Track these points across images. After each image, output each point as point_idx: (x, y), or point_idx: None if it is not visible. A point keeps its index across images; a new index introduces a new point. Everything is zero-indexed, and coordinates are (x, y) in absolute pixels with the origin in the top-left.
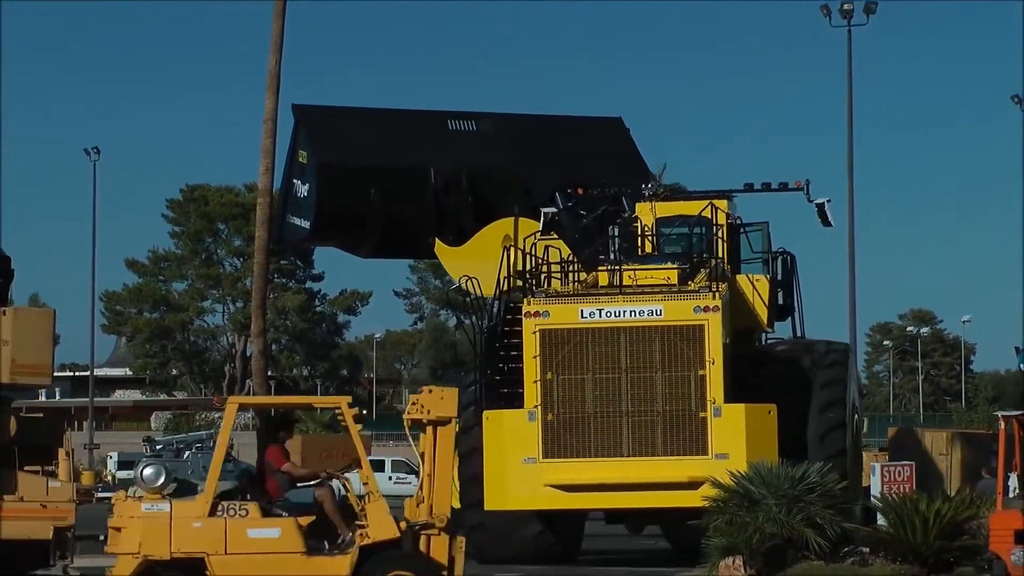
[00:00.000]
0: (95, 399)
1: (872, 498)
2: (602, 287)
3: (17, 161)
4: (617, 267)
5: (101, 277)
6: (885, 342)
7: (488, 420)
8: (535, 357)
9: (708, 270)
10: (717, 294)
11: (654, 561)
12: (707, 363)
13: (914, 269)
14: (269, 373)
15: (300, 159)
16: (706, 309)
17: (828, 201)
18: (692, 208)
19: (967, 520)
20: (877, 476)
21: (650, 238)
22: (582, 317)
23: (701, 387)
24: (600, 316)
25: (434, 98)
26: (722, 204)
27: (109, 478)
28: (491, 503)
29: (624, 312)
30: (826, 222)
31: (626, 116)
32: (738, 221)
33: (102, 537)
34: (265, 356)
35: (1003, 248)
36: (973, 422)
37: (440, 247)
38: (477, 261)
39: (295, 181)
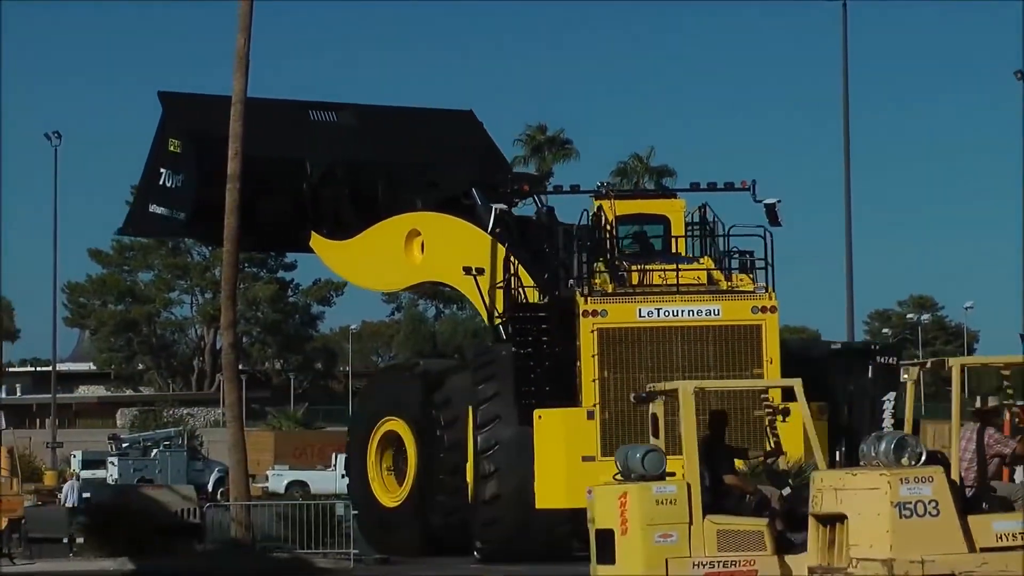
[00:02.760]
0: (58, 395)
1: None
2: (655, 285)
3: None
4: (674, 266)
5: (63, 268)
6: (884, 330)
7: (541, 419)
8: (593, 356)
9: (764, 269)
10: (774, 294)
11: None
12: (765, 362)
13: (913, 254)
14: (240, 367)
15: (172, 148)
16: (763, 309)
17: (778, 201)
18: (649, 207)
19: None
20: None
21: (611, 237)
22: (640, 316)
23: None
24: (658, 315)
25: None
26: (680, 204)
27: (73, 477)
28: (545, 501)
29: (682, 312)
30: (775, 222)
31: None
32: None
33: (65, 539)
34: (236, 349)
35: (1007, 231)
36: None
37: (318, 240)
38: (368, 255)
39: (163, 170)
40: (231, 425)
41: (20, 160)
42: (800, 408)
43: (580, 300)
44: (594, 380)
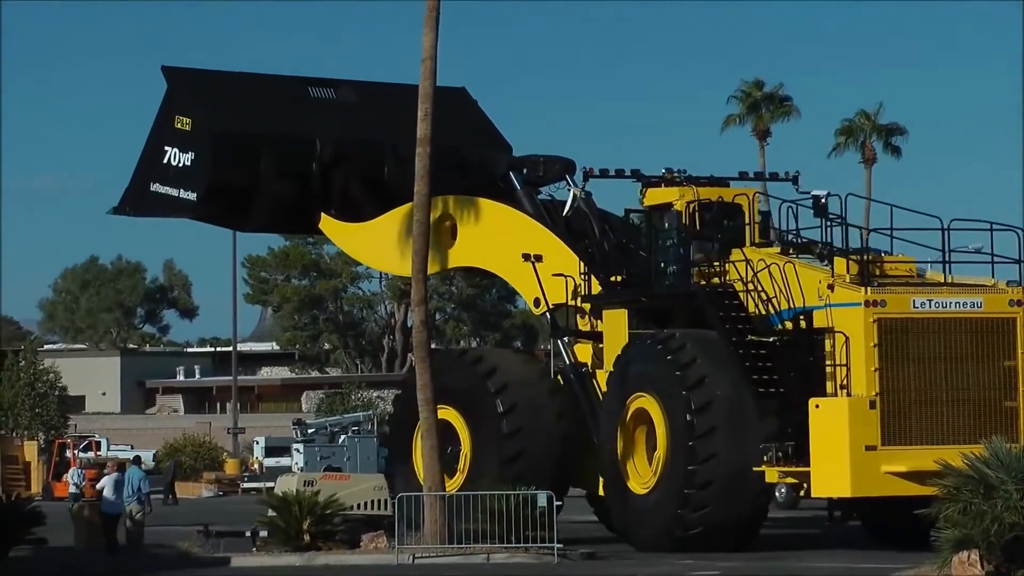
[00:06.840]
0: (239, 377)
1: None
2: (906, 277)
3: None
4: (925, 261)
5: (243, 241)
6: None
7: (819, 408)
8: (873, 345)
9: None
10: None
11: (866, 555)
12: (1019, 354)
13: None
14: (434, 345)
15: (180, 125)
16: (1019, 303)
17: (827, 194)
18: (727, 194)
19: None
20: None
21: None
22: (914, 307)
23: (1011, 376)
24: (930, 307)
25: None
26: (753, 192)
27: (256, 466)
28: (825, 490)
29: (950, 303)
30: (820, 214)
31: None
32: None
33: (248, 532)
34: (427, 326)
35: None
36: None
37: (329, 222)
38: (389, 239)
39: (168, 148)
40: (423, 409)
41: None
42: None
43: (853, 291)
44: (875, 370)
